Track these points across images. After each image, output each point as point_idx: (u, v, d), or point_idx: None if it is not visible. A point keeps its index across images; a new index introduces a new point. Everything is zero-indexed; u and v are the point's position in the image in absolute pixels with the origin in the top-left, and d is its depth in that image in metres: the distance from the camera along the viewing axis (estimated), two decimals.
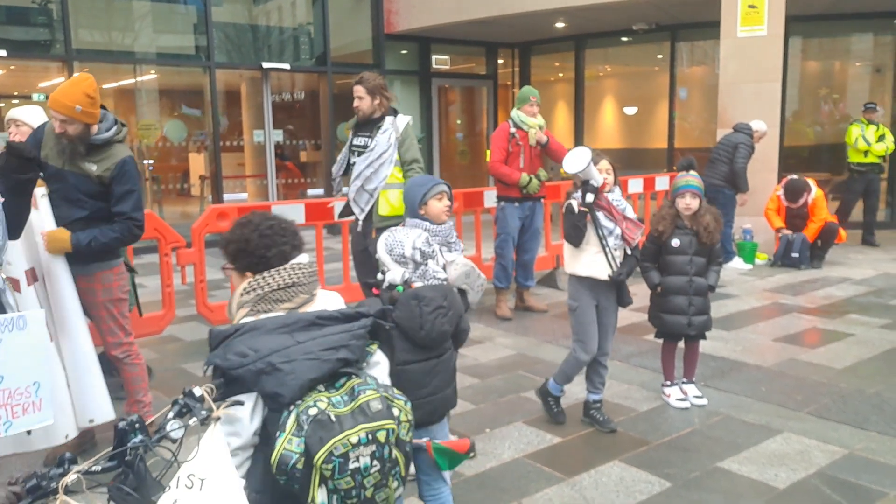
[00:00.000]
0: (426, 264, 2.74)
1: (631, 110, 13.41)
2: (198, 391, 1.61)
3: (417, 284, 2.69)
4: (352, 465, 1.73)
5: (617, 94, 13.67)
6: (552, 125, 14.06)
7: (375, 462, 1.77)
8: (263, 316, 1.97)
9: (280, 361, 1.80)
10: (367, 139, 5.10)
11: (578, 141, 13.00)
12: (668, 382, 4.56)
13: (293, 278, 2.05)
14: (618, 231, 3.94)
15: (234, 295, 2.10)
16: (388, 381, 2.11)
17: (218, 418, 1.62)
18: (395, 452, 1.83)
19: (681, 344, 4.54)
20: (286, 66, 11.35)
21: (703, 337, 4.47)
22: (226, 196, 10.86)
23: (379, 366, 2.08)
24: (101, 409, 3.66)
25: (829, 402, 4.46)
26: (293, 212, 6.23)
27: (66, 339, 3.56)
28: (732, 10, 8.78)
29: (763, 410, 4.36)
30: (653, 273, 4.39)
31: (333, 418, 1.74)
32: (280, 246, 2.10)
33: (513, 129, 6.28)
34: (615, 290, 4.05)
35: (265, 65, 11.06)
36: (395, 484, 1.86)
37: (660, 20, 11.03)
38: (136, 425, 1.55)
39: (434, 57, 13.04)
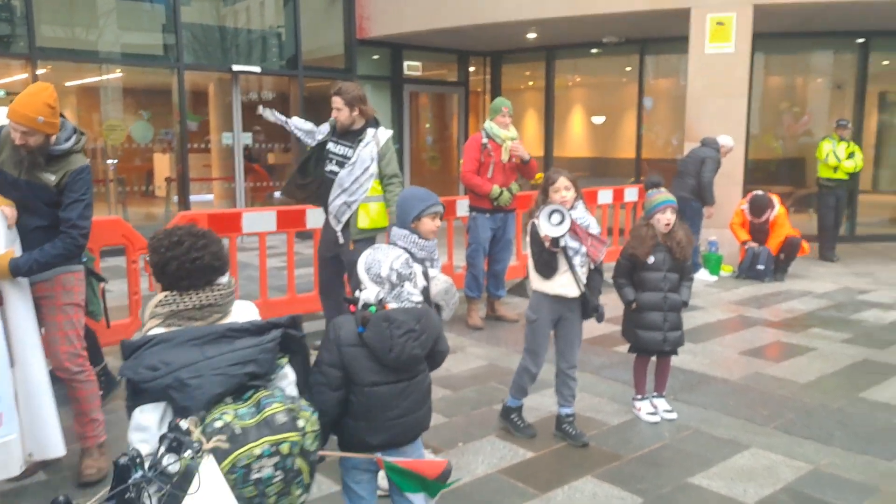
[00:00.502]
0: (402, 286, 2.73)
1: (599, 120, 13.57)
2: (184, 424, 1.60)
3: (392, 306, 2.68)
4: (254, 476, 1.82)
5: (586, 104, 13.82)
6: (522, 133, 14.04)
7: (278, 472, 1.88)
8: (175, 329, 2.07)
9: (188, 377, 1.89)
10: (347, 149, 5.07)
11: (549, 149, 13.11)
12: (640, 396, 4.61)
13: (209, 300, 2.17)
14: (584, 250, 3.98)
15: (149, 303, 2.19)
16: (296, 393, 2.20)
17: (209, 450, 1.60)
18: (298, 463, 1.94)
19: (652, 358, 4.61)
20: (256, 68, 11.24)
21: (676, 353, 4.54)
22: (192, 198, 10.71)
23: (287, 378, 2.18)
24: (50, 444, 3.48)
25: (795, 417, 4.55)
26: (265, 219, 6.17)
27: (19, 367, 3.40)
28: (701, 27, 8.95)
29: (731, 425, 4.43)
30: (628, 290, 4.44)
31: (238, 431, 1.83)
32: (203, 275, 2.19)
33: (485, 140, 6.31)
34: (580, 303, 4.09)
35: (235, 67, 10.93)
36: (299, 492, 1.98)
37: (630, 34, 11.19)
38: (137, 460, 1.55)
39: (406, 63, 13.03)
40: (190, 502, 1.54)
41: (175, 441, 1.59)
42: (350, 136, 5.09)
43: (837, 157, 9.38)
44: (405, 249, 3.27)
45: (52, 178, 3.42)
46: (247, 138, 11.53)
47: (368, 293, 2.68)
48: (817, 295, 7.83)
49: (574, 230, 3.91)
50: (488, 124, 6.36)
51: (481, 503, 3.51)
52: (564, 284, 4.01)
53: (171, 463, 1.56)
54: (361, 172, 4.98)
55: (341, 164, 5.06)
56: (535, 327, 4.14)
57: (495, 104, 6.44)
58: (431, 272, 3.14)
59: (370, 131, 5.09)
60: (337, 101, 5.05)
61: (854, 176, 9.74)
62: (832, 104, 11.96)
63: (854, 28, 10.59)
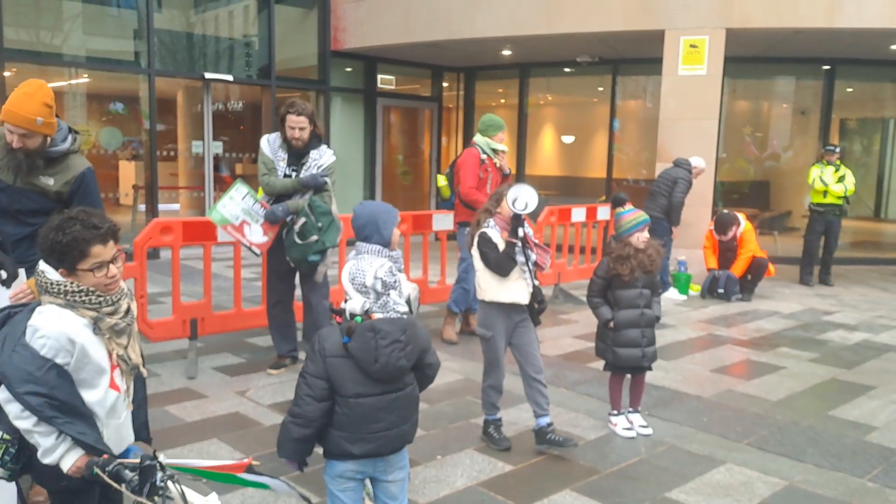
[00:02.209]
0: (388, 295, 2.71)
1: (570, 139, 13.71)
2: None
3: (378, 316, 2.66)
4: None
5: (558, 122, 13.96)
6: None
7: None
8: None
9: None
10: (294, 171, 5.11)
11: (520, 166, 13.18)
12: (615, 412, 4.62)
13: None
14: (534, 257, 4.07)
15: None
16: None
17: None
18: None
19: (627, 374, 4.63)
20: (229, 77, 11.14)
21: (650, 368, 4.57)
22: (158, 207, 10.53)
23: None
24: None
25: (768, 433, 4.60)
26: None
27: None
28: (675, 49, 9.11)
29: (706, 441, 4.46)
30: (604, 309, 4.46)
31: None
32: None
33: (483, 156, 6.28)
34: (528, 310, 4.17)
35: (207, 75, 10.82)
36: None
37: (603, 54, 11.34)
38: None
39: (379, 76, 13.03)
40: None
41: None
42: (296, 156, 5.11)
43: (824, 181, 9.45)
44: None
45: (50, 183, 3.28)
46: (217, 147, 11.39)
47: (354, 303, 2.65)
48: (784, 315, 7.96)
49: (526, 238, 4.01)
50: (483, 140, 6.32)
51: None
52: (518, 291, 4.07)
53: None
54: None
55: None
56: (493, 343, 4.16)
57: (496, 122, 6.38)
58: (406, 282, 3.13)
59: (312, 154, 5.12)
60: (302, 121, 4.96)
61: (848, 200, 9.62)
62: (796, 130, 12.27)
63: (820, 55, 10.88)
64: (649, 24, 9.22)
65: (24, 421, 2.15)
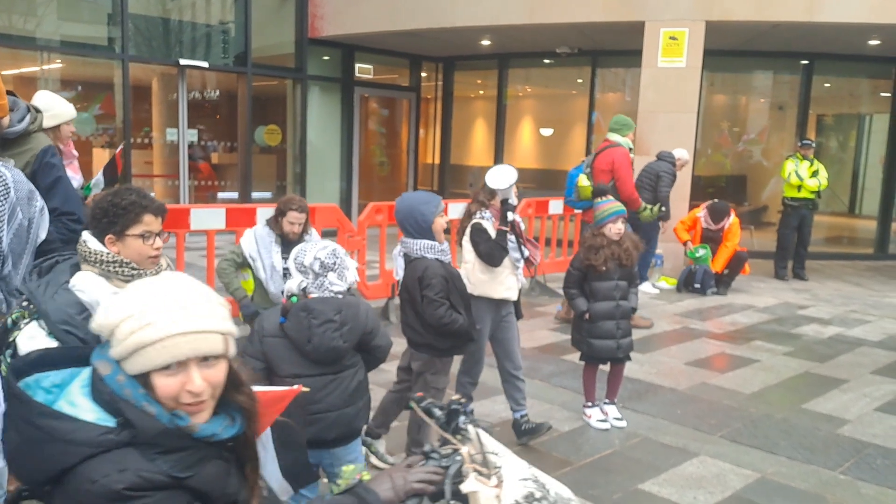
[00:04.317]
0: (325, 276, 2.67)
1: (549, 132, 13.67)
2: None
3: (314, 296, 2.63)
4: None
5: (537, 114, 13.91)
6: (472, 142, 14.17)
7: None
8: None
9: None
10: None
11: (498, 159, 13.12)
12: (590, 404, 4.59)
13: None
14: (527, 253, 4.05)
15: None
16: None
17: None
18: None
19: (604, 366, 4.60)
20: (204, 63, 10.96)
21: (629, 358, 4.54)
22: None
23: None
24: None
25: (741, 426, 4.60)
26: (214, 216, 5.98)
27: None
28: (654, 41, 9.09)
29: (680, 433, 4.44)
30: (580, 300, 4.42)
31: None
32: None
33: (632, 156, 6.74)
34: (513, 305, 4.16)
35: (182, 61, 10.63)
36: None
37: (583, 45, 11.30)
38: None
39: (357, 65, 12.89)
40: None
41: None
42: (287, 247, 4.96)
43: (800, 176, 9.49)
44: (437, 261, 3.22)
45: (10, 165, 3.16)
46: (192, 135, 11.21)
47: (291, 283, 2.69)
48: (759, 309, 7.99)
49: (519, 232, 3.98)
50: (625, 140, 6.72)
51: None
52: (510, 287, 4.05)
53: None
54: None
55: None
56: (479, 336, 4.09)
57: (629, 122, 6.86)
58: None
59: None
60: (302, 218, 4.80)
61: (820, 195, 9.68)
62: (773, 125, 12.33)
63: (799, 50, 10.92)
64: (630, 16, 9.18)
65: None
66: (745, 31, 9.50)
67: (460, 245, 4.14)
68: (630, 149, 6.81)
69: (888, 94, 11.72)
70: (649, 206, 6.89)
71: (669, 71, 9.07)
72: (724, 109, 12.56)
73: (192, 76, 11.42)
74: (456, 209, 6.13)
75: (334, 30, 11.53)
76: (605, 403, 4.61)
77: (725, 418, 4.72)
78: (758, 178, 12.46)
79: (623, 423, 4.50)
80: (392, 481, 1.60)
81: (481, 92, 14.35)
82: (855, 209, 14.01)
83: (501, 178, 3.85)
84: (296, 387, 2.10)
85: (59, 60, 10.66)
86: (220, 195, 12.10)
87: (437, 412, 1.86)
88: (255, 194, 11.55)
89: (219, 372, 1.39)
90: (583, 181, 6.91)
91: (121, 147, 5.13)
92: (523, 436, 4.15)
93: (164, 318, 1.34)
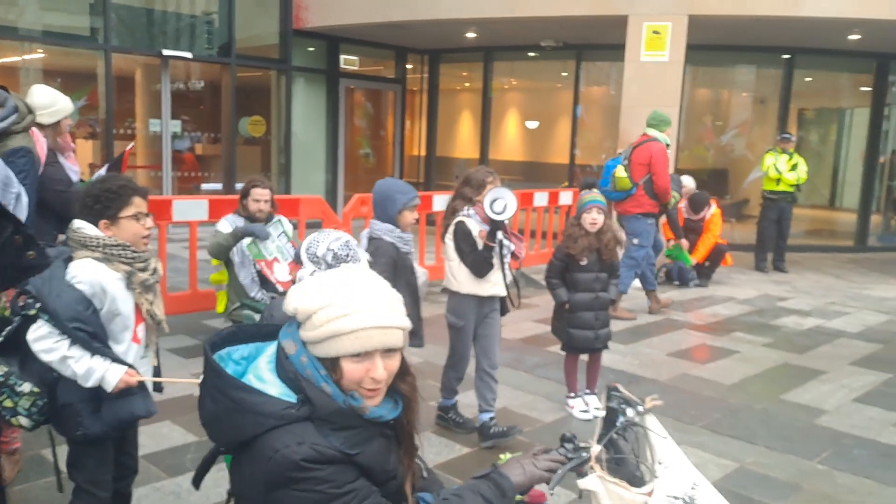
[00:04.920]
0: (338, 267, 2.69)
1: (534, 124, 13.71)
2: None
3: None
4: None
5: (522, 107, 13.94)
6: (458, 134, 14.18)
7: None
8: None
9: None
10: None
11: (484, 151, 13.17)
12: (572, 394, 4.64)
13: None
14: (513, 247, 4.05)
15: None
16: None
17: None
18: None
19: (583, 356, 4.66)
20: (188, 54, 10.87)
21: (606, 347, 4.61)
22: None
23: None
24: None
25: (721, 416, 4.67)
26: (196, 207, 5.96)
27: None
28: (637, 35, 9.13)
29: (661, 423, 4.49)
30: (561, 290, 4.47)
31: None
32: None
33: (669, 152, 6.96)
34: (499, 301, 4.16)
35: (165, 52, 10.55)
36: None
37: (567, 39, 11.33)
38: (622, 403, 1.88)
39: (342, 57, 12.85)
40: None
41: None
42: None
43: (779, 169, 9.58)
44: (392, 245, 3.23)
45: None
46: (175, 126, 11.14)
47: (303, 271, 2.66)
48: (739, 301, 8.09)
49: (505, 230, 3.96)
50: (663, 136, 6.90)
51: None
52: (496, 283, 4.05)
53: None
54: None
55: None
56: (464, 333, 4.13)
57: (667, 118, 7.12)
58: (417, 267, 3.14)
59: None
60: (265, 193, 5.04)
61: (799, 188, 9.81)
62: (755, 118, 12.43)
63: (780, 44, 11.02)
64: (613, 9, 9.22)
65: (55, 352, 2.33)
66: (727, 25, 9.57)
67: (444, 240, 4.14)
68: (667, 144, 7.02)
69: (868, 89, 11.85)
70: (674, 196, 7.26)
71: (652, 65, 9.12)
72: (706, 103, 12.65)
73: (176, 67, 11.34)
74: (441, 200, 6.17)
75: (319, 21, 11.49)
76: (586, 394, 4.66)
77: (706, 409, 4.79)
78: (739, 172, 12.57)
79: (604, 413, 4.55)
80: (523, 468, 1.77)
81: (467, 84, 14.35)
82: (835, 202, 14.16)
83: (506, 209, 3.79)
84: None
85: (40, 51, 10.54)
86: (204, 186, 12.05)
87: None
88: (238, 185, 11.48)
89: (396, 362, 1.56)
90: (620, 173, 7.06)
91: (131, 146, 5.15)
92: (489, 439, 4.09)
93: (362, 310, 1.48)
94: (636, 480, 1.82)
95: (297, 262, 2.69)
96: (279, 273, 5.09)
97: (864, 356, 6.11)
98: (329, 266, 2.68)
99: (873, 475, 3.92)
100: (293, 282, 2.75)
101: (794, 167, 9.57)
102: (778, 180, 9.60)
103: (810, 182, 10.65)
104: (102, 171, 4.83)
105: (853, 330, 6.96)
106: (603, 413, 4.58)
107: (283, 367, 1.51)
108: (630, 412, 1.92)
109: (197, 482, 1.68)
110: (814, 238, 12.39)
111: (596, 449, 1.79)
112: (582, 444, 1.81)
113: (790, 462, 4.05)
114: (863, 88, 12.08)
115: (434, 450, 3.97)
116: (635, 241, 7.02)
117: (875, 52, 11.12)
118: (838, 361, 5.94)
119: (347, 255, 2.72)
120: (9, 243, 2.56)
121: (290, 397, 1.48)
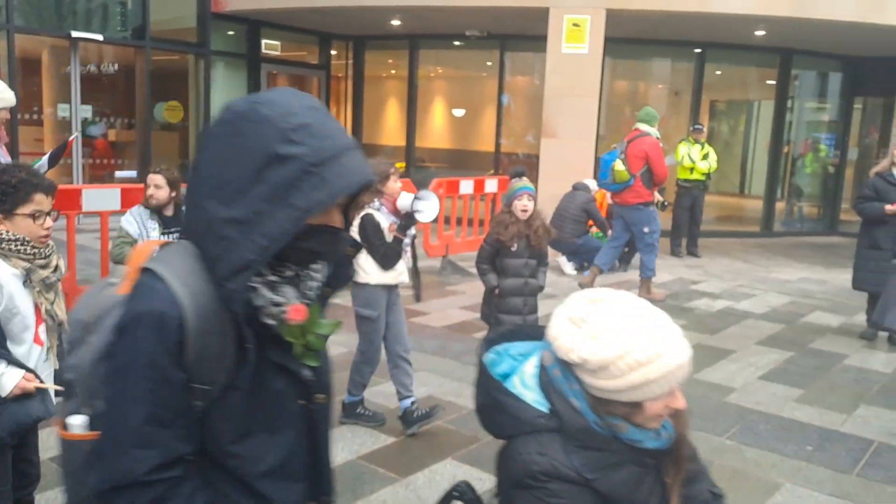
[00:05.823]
0: None
1: (460, 112, 13.79)
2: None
3: None
4: None
5: (448, 95, 13.99)
6: (384, 122, 14.12)
7: None
8: None
9: None
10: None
11: (410, 139, 13.16)
12: None
13: None
14: (414, 233, 4.22)
15: None
16: None
17: None
18: None
19: None
20: (98, 36, 10.44)
21: None
22: None
23: None
24: None
25: None
26: (108, 197, 5.76)
27: None
28: (558, 27, 9.30)
29: None
30: (491, 276, 4.54)
31: None
32: None
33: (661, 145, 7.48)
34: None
35: (74, 33, 10.09)
36: None
37: (492, 29, 11.43)
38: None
39: (264, 41, 12.58)
40: None
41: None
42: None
43: (692, 158, 9.99)
44: None
45: None
46: (86, 111, 10.69)
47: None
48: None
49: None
50: (654, 130, 7.39)
51: (342, 490, 3.43)
52: (402, 271, 4.15)
53: None
54: None
55: None
56: (377, 323, 4.13)
57: (655, 114, 7.60)
58: None
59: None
60: (158, 179, 4.46)
61: (710, 176, 10.28)
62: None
63: (693, 38, 11.42)
64: (535, 1, 9.36)
65: None
66: (642, 19, 9.85)
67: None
68: (658, 137, 7.50)
69: (773, 82, 12.43)
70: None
71: (573, 57, 9.31)
72: (625, 95, 13.00)
73: (87, 49, 10.87)
74: None
75: (239, 4, 11.22)
76: None
77: None
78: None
79: None
80: None
81: (393, 72, 14.29)
82: (744, 190, 14.84)
83: (428, 211, 3.91)
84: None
85: None
86: (118, 174, 11.62)
87: None
88: None
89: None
90: (618, 166, 7.47)
91: (74, 135, 4.89)
92: (414, 423, 4.10)
93: (665, 353, 1.41)
94: None
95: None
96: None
97: (769, 336, 6.46)
98: None
99: (776, 448, 4.17)
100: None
101: (705, 156, 10.00)
102: (691, 169, 10.02)
103: (720, 171, 11.13)
104: (44, 161, 4.57)
105: (759, 311, 7.34)
106: None
107: (542, 376, 1.52)
108: None
109: None
110: (724, 224, 12.95)
111: None
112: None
113: (702, 439, 4.24)
114: (768, 82, 12.67)
115: (359, 440, 3.99)
116: (646, 229, 7.55)
117: (779, 47, 11.67)
118: (745, 341, 6.25)
119: None
120: None
121: (544, 406, 1.48)
